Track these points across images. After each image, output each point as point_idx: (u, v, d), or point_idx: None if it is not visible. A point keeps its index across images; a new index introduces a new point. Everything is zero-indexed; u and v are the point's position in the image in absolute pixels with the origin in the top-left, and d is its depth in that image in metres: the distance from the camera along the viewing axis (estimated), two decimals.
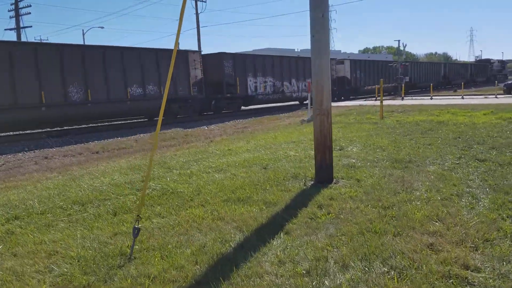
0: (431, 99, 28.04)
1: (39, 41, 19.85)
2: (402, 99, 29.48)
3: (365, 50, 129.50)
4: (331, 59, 28.93)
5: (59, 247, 4.05)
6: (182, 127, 19.23)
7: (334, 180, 6.05)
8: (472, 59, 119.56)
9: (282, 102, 30.25)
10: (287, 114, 24.75)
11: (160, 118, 4.19)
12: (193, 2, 46.76)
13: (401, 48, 43.26)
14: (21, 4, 32.26)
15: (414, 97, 32.00)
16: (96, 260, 3.67)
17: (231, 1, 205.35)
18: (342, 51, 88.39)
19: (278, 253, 3.62)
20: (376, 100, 30.14)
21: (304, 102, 29.18)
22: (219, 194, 5.57)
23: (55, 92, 17.07)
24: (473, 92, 35.37)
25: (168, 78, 4.24)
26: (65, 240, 4.21)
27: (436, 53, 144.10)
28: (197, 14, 48.04)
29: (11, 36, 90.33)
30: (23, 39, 31.31)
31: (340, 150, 8.65)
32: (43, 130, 18.36)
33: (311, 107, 17.58)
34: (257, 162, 7.63)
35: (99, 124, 21.12)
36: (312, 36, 6.05)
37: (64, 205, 5.46)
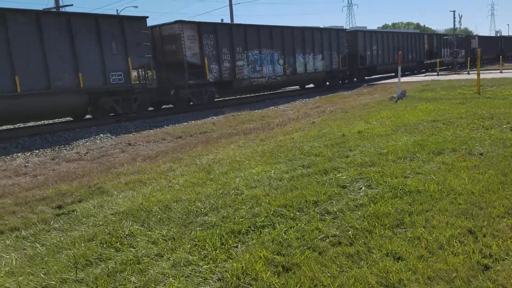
0: (501, 72, 25.68)
1: None
2: (468, 73, 27.20)
3: (384, 27, 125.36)
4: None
5: None
6: (249, 108, 17.59)
7: None
8: (493, 34, 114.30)
9: None
10: (347, 92, 22.82)
11: None
12: None
13: (457, 19, 40.28)
14: None
15: (473, 71, 29.57)
16: None
17: None
18: (366, 27, 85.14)
19: None
20: (438, 75, 27.99)
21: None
22: None
23: None
24: None
25: None
26: None
27: (456, 28, 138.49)
28: None
29: None
30: None
31: None
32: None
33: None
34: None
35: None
36: None
37: None
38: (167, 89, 18.04)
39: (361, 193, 4.26)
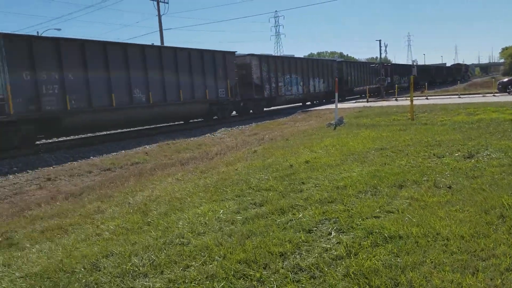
0: (427, 99, 26.94)
1: None
2: (396, 99, 28.28)
3: (310, 55, 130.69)
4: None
5: None
6: (183, 135, 16.67)
7: None
8: (410, 63, 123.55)
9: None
10: (283, 119, 22.69)
11: None
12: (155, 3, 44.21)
13: (383, 48, 42.27)
14: None
15: (401, 98, 30.87)
16: None
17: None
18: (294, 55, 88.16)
19: None
20: (368, 101, 28.84)
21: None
22: None
23: None
24: (467, 92, 34.68)
25: None
26: None
27: (377, 57, 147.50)
28: (159, 15, 45.47)
29: None
30: None
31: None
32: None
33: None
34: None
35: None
36: None
37: None
38: (239, 102, 24.44)
39: (333, 240, 3.62)
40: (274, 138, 13.18)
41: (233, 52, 23.55)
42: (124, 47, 16.91)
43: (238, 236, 3.93)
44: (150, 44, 20.22)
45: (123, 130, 19.18)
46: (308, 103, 33.16)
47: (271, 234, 3.90)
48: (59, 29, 62.41)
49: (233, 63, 23.24)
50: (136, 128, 19.75)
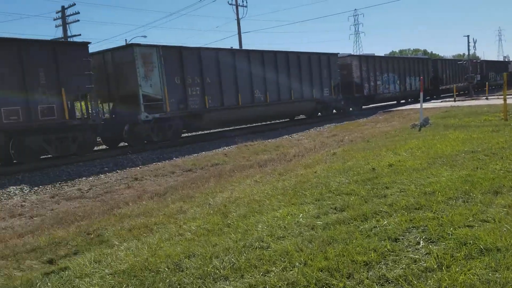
0: None
1: None
2: (487, 98, 26.36)
3: (392, 53, 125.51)
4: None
5: None
6: (262, 137, 16.81)
7: None
8: (501, 59, 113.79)
9: None
10: (362, 119, 22.04)
11: None
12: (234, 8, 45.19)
13: (471, 44, 39.62)
14: (68, 11, 30.80)
15: (492, 96, 28.64)
16: None
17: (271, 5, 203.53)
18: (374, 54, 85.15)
19: None
20: (455, 101, 27.17)
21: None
22: None
23: None
24: None
25: None
26: None
27: (464, 54, 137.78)
28: (238, 19, 46.39)
29: None
30: None
31: None
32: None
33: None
34: None
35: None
36: None
37: None
38: (340, 100, 25.79)
39: (422, 250, 3.38)
40: (354, 140, 12.82)
41: (336, 54, 25.78)
42: (247, 53, 19.95)
43: (319, 242, 3.81)
44: (230, 47, 20.97)
45: (203, 132, 19.87)
46: (403, 101, 34.23)
47: (354, 241, 3.73)
48: (145, 36, 65.98)
49: (336, 64, 25.38)
50: (217, 130, 20.25)
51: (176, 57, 16.29)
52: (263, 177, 8.06)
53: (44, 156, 13.77)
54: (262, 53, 20.38)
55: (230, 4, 45.10)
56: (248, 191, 6.68)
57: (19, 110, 11.92)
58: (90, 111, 14.58)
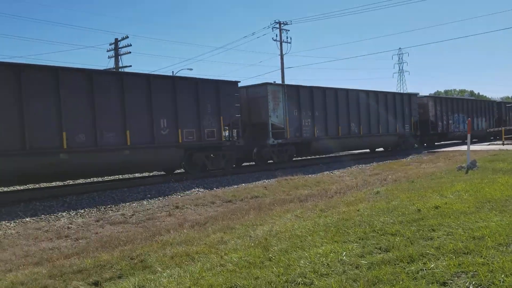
0: None
1: None
2: None
3: (437, 93, 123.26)
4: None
5: None
6: (302, 172, 16.76)
7: None
8: None
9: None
10: (405, 159, 21.58)
11: None
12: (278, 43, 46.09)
13: None
14: (120, 44, 32.48)
15: None
16: None
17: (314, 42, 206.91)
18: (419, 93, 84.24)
19: None
20: (503, 144, 26.25)
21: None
22: None
23: None
24: None
25: None
26: None
27: None
28: (281, 55, 47.23)
29: None
30: None
31: None
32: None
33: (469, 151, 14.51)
34: None
35: None
36: None
37: None
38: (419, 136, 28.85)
39: None
40: (398, 180, 12.58)
41: (416, 94, 29.76)
42: (346, 92, 22.74)
43: (364, 282, 3.74)
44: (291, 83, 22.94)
45: (244, 164, 20.08)
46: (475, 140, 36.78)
47: (400, 283, 3.64)
48: (191, 69, 68.15)
49: (416, 103, 28.51)
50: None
51: (294, 94, 19.63)
52: (304, 212, 8.01)
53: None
54: (357, 92, 23.49)
55: (274, 40, 46.10)
56: (289, 226, 6.65)
57: (194, 132, 15.49)
58: (234, 135, 17.98)
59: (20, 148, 11.20)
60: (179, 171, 17.27)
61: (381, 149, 28.08)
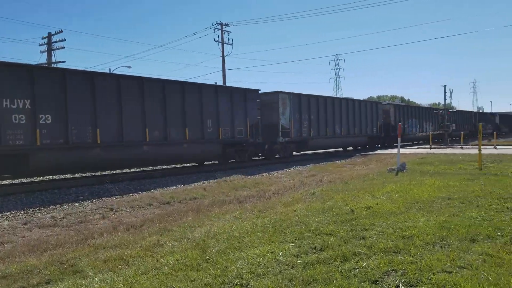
0: (496, 148, 25.57)
1: None
2: (462, 147, 27.07)
3: (370, 98, 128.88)
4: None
5: None
6: (241, 173, 16.79)
7: None
8: (475, 110, 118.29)
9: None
10: (341, 161, 22.32)
11: None
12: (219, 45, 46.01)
13: (448, 94, 42.22)
14: (54, 38, 30.75)
15: (466, 146, 29.45)
16: None
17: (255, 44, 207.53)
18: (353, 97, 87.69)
19: None
20: (431, 148, 27.83)
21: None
22: None
23: None
24: None
25: None
26: None
27: (439, 103, 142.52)
28: (223, 56, 47.19)
29: None
30: None
31: None
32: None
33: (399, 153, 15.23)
34: None
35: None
36: None
37: None
38: (384, 137, 33.85)
39: None
40: (333, 181, 12.94)
41: (381, 102, 35.36)
42: (332, 99, 27.33)
43: (299, 282, 3.80)
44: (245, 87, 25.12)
45: (182, 165, 19.82)
46: (421, 141, 41.13)
47: (334, 281, 3.74)
48: (129, 67, 66.19)
49: (381, 109, 33.13)
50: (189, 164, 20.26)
51: (297, 100, 23.48)
52: (242, 213, 8.03)
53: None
54: (340, 100, 28.23)
55: (216, 41, 45.95)
56: (228, 227, 6.63)
57: (228, 131, 19.12)
58: (254, 134, 20.89)
59: (118, 141, 14.60)
60: (207, 163, 20.41)
61: (350, 148, 32.19)
